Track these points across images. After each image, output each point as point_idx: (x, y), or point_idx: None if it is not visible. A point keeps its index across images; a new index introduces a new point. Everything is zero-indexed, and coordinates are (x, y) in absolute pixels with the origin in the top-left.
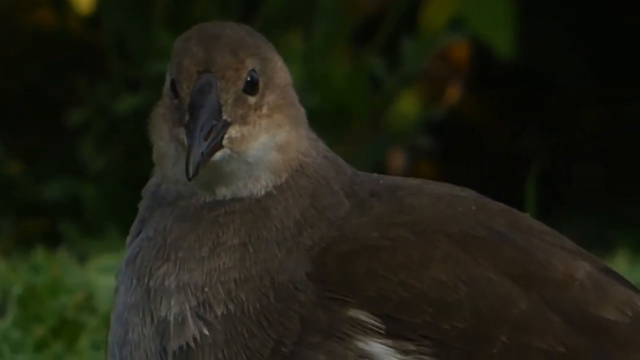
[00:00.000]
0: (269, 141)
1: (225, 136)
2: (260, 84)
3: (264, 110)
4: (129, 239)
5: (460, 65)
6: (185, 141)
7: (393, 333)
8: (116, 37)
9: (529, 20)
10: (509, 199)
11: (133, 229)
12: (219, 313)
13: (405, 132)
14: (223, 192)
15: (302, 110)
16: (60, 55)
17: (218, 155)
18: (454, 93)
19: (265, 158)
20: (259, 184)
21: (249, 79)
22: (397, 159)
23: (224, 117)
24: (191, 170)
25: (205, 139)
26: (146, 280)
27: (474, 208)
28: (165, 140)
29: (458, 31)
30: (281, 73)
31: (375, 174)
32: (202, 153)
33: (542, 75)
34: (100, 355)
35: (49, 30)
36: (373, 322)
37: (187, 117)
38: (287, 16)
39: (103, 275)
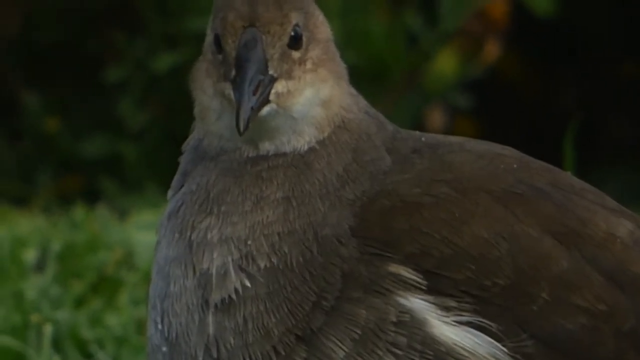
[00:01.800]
0: (314, 96)
1: (272, 91)
2: (304, 39)
3: (309, 65)
4: (170, 192)
5: (498, 23)
6: (232, 96)
7: (434, 289)
8: None
9: None
10: (548, 155)
11: (174, 183)
12: (262, 266)
13: (443, 90)
14: (266, 147)
15: (344, 66)
16: (99, 12)
17: (265, 110)
18: (492, 50)
19: (309, 113)
20: (302, 139)
21: (293, 33)
22: (436, 116)
23: (270, 72)
24: (242, 125)
25: (254, 94)
26: (188, 233)
27: (515, 166)
28: (208, 94)
29: None
30: (323, 28)
31: (417, 132)
32: (252, 108)
33: (580, 30)
34: (139, 311)
35: None
36: (414, 277)
37: (233, 72)
38: None
39: (142, 232)
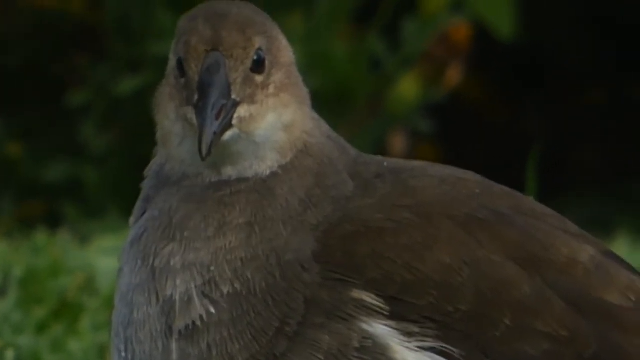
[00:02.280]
0: (276, 121)
1: (235, 115)
2: (267, 63)
3: (271, 90)
4: (132, 219)
5: (461, 47)
6: (195, 120)
7: (397, 315)
8: (117, 17)
9: (530, 1)
10: (510, 181)
11: (136, 209)
12: (225, 291)
13: (405, 114)
14: (229, 172)
15: (306, 90)
16: (62, 35)
17: (228, 135)
18: (454, 75)
19: (272, 138)
20: (265, 164)
21: (256, 57)
22: (398, 141)
23: (233, 96)
24: (204, 150)
25: (217, 119)
26: (151, 260)
27: (477, 191)
28: (171, 119)
29: (459, 12)
30: (286, 52)
31: (380, 156)
32: (214, 133)
33: (543, 56)
34: (101, 336)
35: (51, 9)
36: (377, 303)
37: (196, 96)
38: None
39: (104, 257)
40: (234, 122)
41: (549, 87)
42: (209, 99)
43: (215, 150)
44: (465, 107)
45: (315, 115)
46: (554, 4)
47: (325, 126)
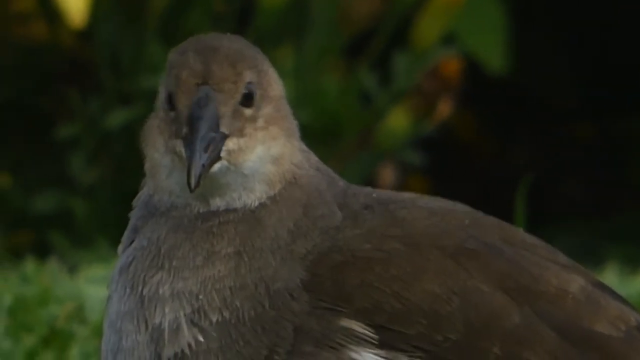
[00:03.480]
0: (265, 153)
1: (224, 148)
2: (256, 97)
3: (260, 123)
4: (120, 247)
5: (451, 81)
6: (184, 153)
7: (386, 344)
8: (108, 51)
9: (521, 36)
10: (499, 214)
11: (125, 238)
12: (214, 320)
13: (395, 148)
14: (217, 203)
15: (295, 123)
16: (52, 69)
17: (216, 167)
18: (444, 109)
19: (260, 170)
20: (253, 195)
21: (246, 91)
22: (387, 174)
23: (222, 129)
24: (193, 181)
25: (205, 151)
26: (140, 288)
27: (467, 222)
28: (160, 151)
29: (450, 47)
30: (275, 85)
31: (369, 187)
32: (203, 165)
33: (532, 90)
34: None
35: (41, 43)
36: (366, 332)
37: (184, 130)
38: (280, 30)
39: (93, 286)
40: (223, 154)
41: (538, 121)
42: (198, 132)
43: (203, 182)
44: (455, 140)
45: (305, 148)
46: (545, 39)
47: (314, 158)
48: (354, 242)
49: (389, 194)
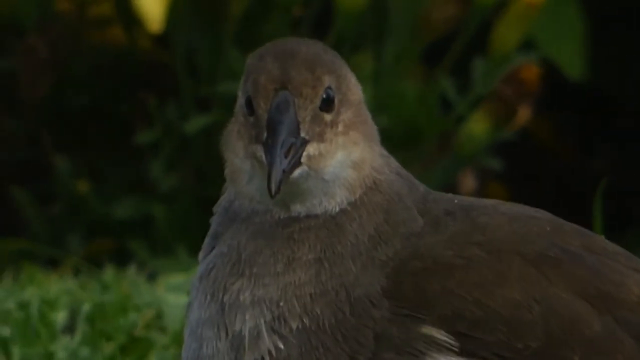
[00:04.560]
0: (345, 158)
1: (304, 154)
2: (336, 101)
3: (340, 128)
4: (201, 254)
5: (530, 87)
6: (264, 158)
7: (467, 351)
8: (186, 56)
9: (600, 40)
10: (577, 220)
11: (205, 245)
12: (294, 327)
13: (475, 153)
14: (298, 208)
15: (375, 127)
16: (130, 74)
17: (297, 172)
18: (524, 114)
19: (341, 175)
20: (334, 201)
21: (325, 96)
22: (468, 180)
23: (302, 134)
24: (274, 187)
25: (286, 157)
26: (220, 295)
27: (548, 229)
28: (240, 157)
29: (529, 52)
30: (355, 90)
31: (450, 194)
32: (284, 171)
33: (611, 95)
34: None
35: (119, 48)
36: (447, 339)
37: (265, 135)
38: (358, 35)
39: (172, 294)
40: (303, 160)
41: (617, 126)
42: (278, 137)
43: (284, 187)
44: (534, 146)
45: (385, 152)
46: (623, 43)
47: (394, 163)
48: (435, 248)
49: (470, 200)
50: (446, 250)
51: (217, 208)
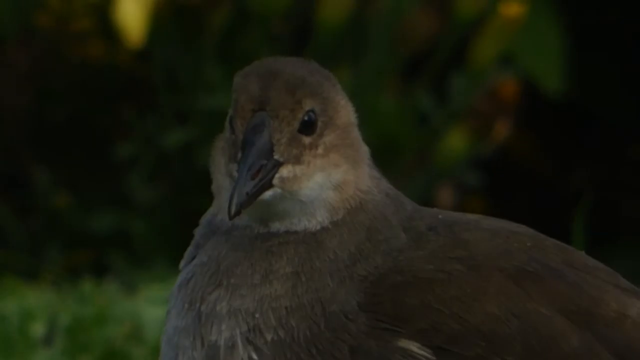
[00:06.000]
0: (324, 180)
1: (277, 175)
2: (319, 124)
3: (320, 150)
4: (182, 263)
5: (509, 102)
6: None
7: None
8: (165, 70)
9: (578, 56)
10: (557, 235)
11: (187, 254)
12: (269, 339)
13: (453, 168)
14: (277, 226)
15: (365, 149)
16: (110, 88)
17: (268, 194)
18: (502, 129)
19: (320, 197)
20: (315, 220)
21: (306, 118)
22: (446, 194)
23: (276, 156)
24: (233, 209)
25: (253, 179)
26: (198, 304)
27: (529, 244)
28: (221, 173)
29: (507, 67)
30: (343, 112)
31: (436, 209)
32: (247, 193)
33: (589, 111)
34: None
35: (99, 62)
36: (424, 353)
37: (239, 154)
38: (337, 50)
39: (151, 306)
40: (275, 181)
41: (596, 142)
42: (247, 158)
43: (256, 207)
44: (513, 161)
45: (376, 174)
46: (602, 59)
47: (384, 184)
48: (415, 263)
49: (454, 215)
50: (427, 265)
51: (202, 220)
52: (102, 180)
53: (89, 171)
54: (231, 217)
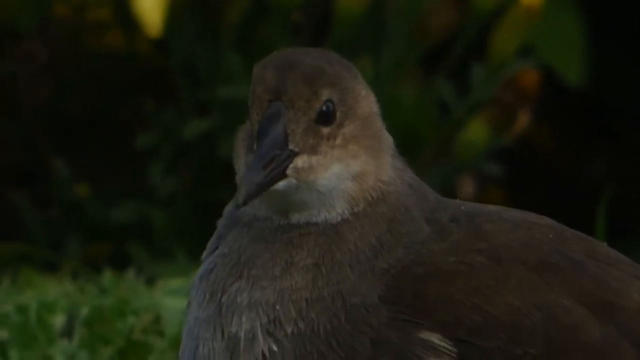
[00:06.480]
0: (342, 171)
1: (291, 166)
2: (338, 114)
3: (338, 141)
4: (204, 253)
5: (529, 93)
6: None
7: (464, 357)
8: (185, 60)
9: (599, 46)
10: (578, 226)
11: (210, 245)
12: (289, 331)
13: (474, 158)
14: (297, 217)
15: (388, 140)
16: (129, 78)
17: (282, 184)
18: (523, 120)
19: (339, 187)
20: (334, 211)
21: (323, 109)
22: (466, 185)
23: (291, 146)
24: (241, 198)
25: (264, 169)
26: (219, 295)
27: (551, 236)
28: (241, 163)
29: (527, 58)
30: (364, 102)
31: (458, 200)
32: (257, 183)
33: (610, 101)
34: None
35: (118, 52)
36: (445, 345)
37: (255, 145)
38: (357, 40)
39: (170, 297)
40: (289, 172)
41: (617, 132)
42: (260, 148)
43: (272, 198)
44: (533, 151)
45: (400, 165)
46: (623, 49)
47: (408, 174)
48: (437, 255)
49: (477, 206)
50: (448, 257)
51: (225, 211)
52: (122, 172)
53: (108, 162)
54: (239, 207)
